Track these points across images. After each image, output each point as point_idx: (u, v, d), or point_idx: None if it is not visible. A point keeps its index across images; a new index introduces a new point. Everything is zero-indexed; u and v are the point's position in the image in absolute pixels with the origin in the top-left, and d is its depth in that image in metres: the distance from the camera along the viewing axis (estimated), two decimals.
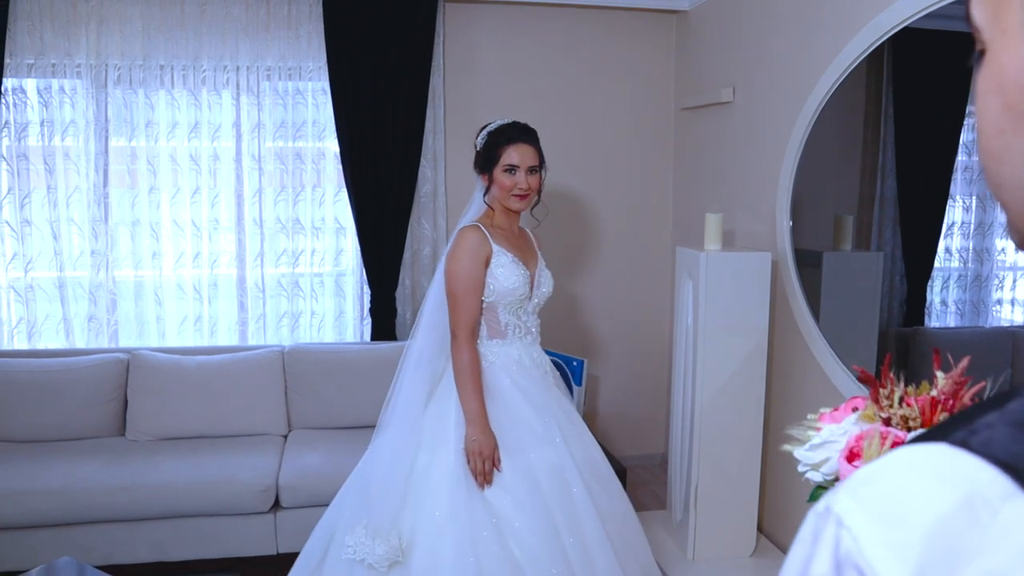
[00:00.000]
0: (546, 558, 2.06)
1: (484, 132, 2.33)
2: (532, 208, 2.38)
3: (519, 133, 2.29)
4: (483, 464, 2.13)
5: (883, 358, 1.21)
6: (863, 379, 1.21)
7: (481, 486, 2.13)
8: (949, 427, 0.40)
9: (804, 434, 1.24)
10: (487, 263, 2.24)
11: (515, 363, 2.28)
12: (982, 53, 0.45)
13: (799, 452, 1.22)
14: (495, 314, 2.27)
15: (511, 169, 2.25)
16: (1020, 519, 0.35)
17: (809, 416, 1.27)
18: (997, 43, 0.44)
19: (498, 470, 2.15)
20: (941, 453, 0.39)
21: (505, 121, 2.33)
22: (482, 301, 2.25)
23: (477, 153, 2.32)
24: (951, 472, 0.37)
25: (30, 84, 3.42)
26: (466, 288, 2.22)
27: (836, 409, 1.24)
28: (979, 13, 0.45)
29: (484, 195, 2.33)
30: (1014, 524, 0.35)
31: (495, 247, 2.25)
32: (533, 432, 2.19)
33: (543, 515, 2.11)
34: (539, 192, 2.34)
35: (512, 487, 2.14)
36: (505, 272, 2.23)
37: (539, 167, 2.29)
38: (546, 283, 2.37)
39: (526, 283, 2.27)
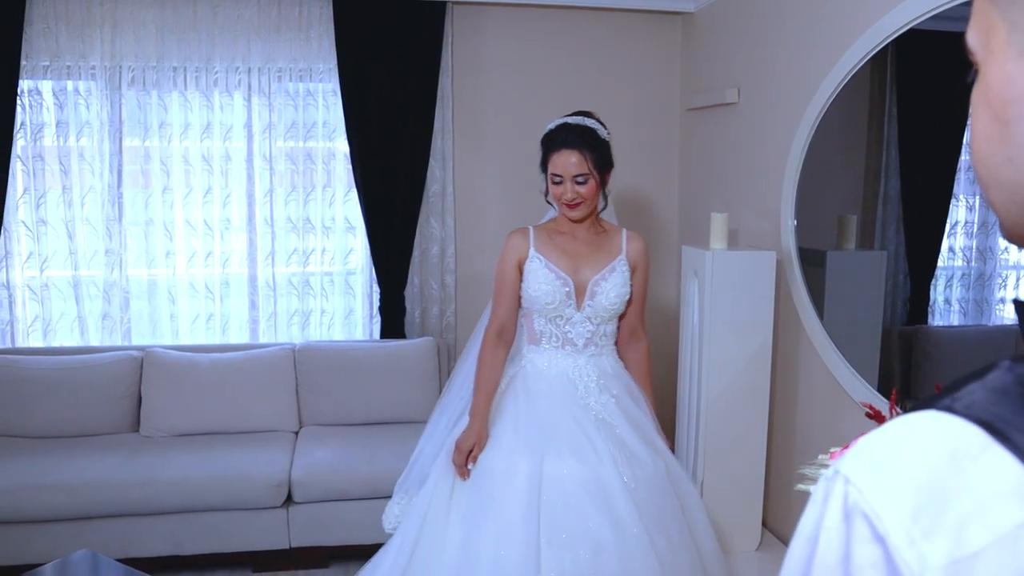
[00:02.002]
0: (471, 567, 2.04)
1: (544, 133, 2.20)
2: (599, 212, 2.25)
3: (563, 140, 2.11)
4: (457, 457, 2.16)
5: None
6: (871, 415, 1.25)
7: (460, 477, 2.17)
8: (937, 397, 0.47)
9: (816, 472, 1.27)
10: (520, 267, 2.20)
11: (539, 371, 2.24)
12: (976, 72, 0.52)
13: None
14: (531, 320, 2.25)
15: (557, 179, 2.12)
16: (995, 465, 0.42)
17: (820, 456, 1.30)
18: (986, 63, 0.51)
19: (471, 466, 2.17)
20: (930, 417, 0.45)
21: (558, 121, 2.17)
22: (519, 305, 2.25)
23: None
24: (939, 432, 0.44)
25: (45, 86, 3.47)
26: (498, 289, 2.24)
27: (846, 446, 1.27)
28: (973, 38, 0.52)
29: (546, 197, 2.23)
30: (990, 469, 0.42)
31: (532, 251, 2.18)
32: (516, 440, 2.14)
33: (481, 521, 2.08)
34: (605, 196, 2.20)
35: (469, 487, 2.15)
36: (532, 278, 2.17)
37: (590, 175, 2.09)
38: (604, 294, 2.17)
39: (560, 292, 2.15)
